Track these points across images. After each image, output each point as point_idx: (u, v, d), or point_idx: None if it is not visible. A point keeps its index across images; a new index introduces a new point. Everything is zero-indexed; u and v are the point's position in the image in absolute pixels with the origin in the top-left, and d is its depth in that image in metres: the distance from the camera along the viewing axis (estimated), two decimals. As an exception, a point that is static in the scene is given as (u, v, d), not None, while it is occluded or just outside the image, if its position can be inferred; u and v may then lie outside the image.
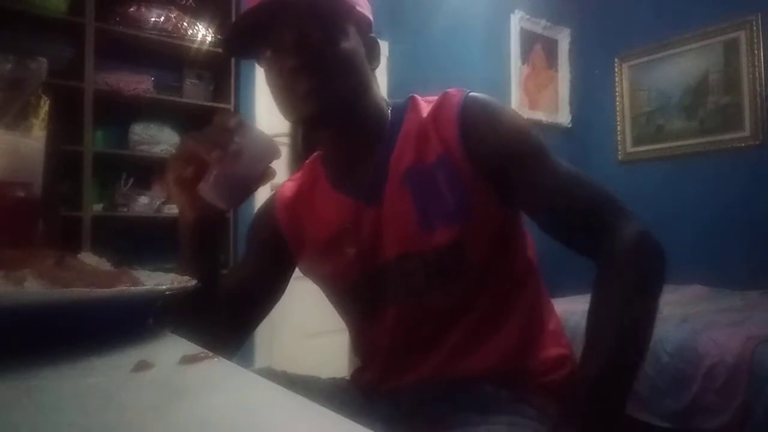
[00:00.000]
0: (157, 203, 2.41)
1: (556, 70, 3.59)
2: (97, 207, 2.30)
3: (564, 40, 3.61)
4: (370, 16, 0.75)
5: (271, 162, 0.64)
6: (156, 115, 2.46)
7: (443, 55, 2.95)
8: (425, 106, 0.76)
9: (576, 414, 0.60)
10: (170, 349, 0.43)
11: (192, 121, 2.55)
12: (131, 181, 2.39)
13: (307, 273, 0.85)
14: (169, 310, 0.51)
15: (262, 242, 0.86)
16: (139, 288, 0.46)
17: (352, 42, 0.71)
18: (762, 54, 2.86)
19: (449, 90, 0.75)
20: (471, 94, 0.74)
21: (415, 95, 0.80)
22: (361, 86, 0.73)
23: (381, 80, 0.79)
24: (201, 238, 0.68)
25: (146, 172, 2.38)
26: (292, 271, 0.87)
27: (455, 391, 0.72)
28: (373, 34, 0.77)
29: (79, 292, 0.40)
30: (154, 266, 0.64)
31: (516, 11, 3.34)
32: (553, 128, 3.47)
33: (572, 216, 0.68)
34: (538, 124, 3.30)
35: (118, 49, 2.35)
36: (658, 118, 3.29)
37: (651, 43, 3.29)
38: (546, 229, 0.70)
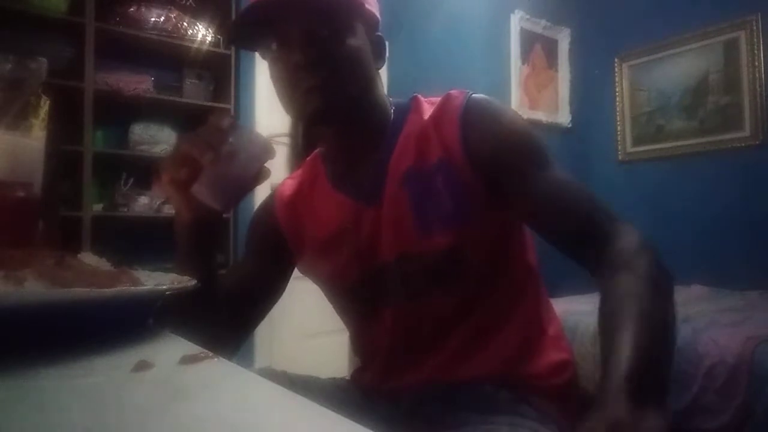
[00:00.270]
0: (157, 203, 2.41)
1: (556, 70, 3.59)
2: (97, 207, 2.30)
3: (564, 40, 3.61)
4: (378, 15, 0.75)
5: (265, 162, 0.64)
6: (156, 115, 2.46)
7: (443, 55, 2.95)
8: (428, 107, 0.76)
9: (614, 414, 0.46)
10: (170, 349, 0.43)
11: (192, 121, 2.55)
12: (131, 181, 2.39)
13: (306, 272, 0.85)
14: (169, 311, 0.51)
15: (262, 241, 0.85)
16: (139, 288, 0.46)
17: (359, 40, 0.70)
18: (762, 54, 2.86)
19: (452, 92, 0.75)
20: (473, 96, 0.73)
21: (418, 95, 0.79)
22: (365, 84, 0.72)
23: (381, 80, 0.79)
24: (198, 239, 0.68)
25: (146, 172, 2.38)
26: (292, 270, 0.86)
27: (455, 391, 0.72)
28: (379, 33, 0.76)
29: (79, 292, 0.40)
30: (154, 266, 0.64)
31: (516, 11, 3.34)
32: (553, 128, 3.46)
33: (569, 224, 0.67)
34: (538, 124, 3.30)
35: (118, 49, 2.35)
36: (658, 118, 3.29)
37: (651, 43, 3.29)
38: (543, 236, 0.69)
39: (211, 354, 0.40)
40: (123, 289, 0.44)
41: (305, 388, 0.81)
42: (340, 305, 0.84)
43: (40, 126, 0.68)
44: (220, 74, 2.57)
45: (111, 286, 0.43)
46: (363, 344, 0.85)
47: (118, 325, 0.44)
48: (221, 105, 2.50)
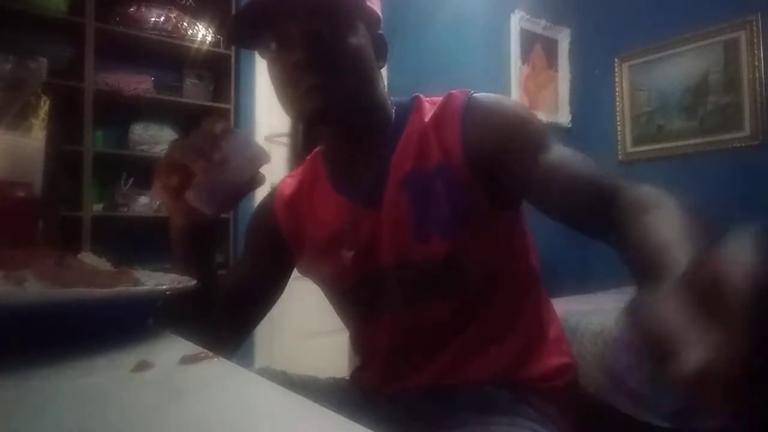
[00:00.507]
0: (157, 203, 2.41)
1: (556, 70, 3.59)
2: (97, 207, 2.31)
3: (564, 40, 3.60)
4: (380, 13, 0.73)
5: (260, 168, 0.63)
6: (156, 115, 2.46)
7: (443, 55, 2.95)
8: (429, 107, 0.75)
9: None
10: (170, 349, 0.42)
11: (192, 121, 2.55)
12: (131, 181, 2.39)
13: (305, 273, 0.85)
14: (169, 312, 0.51)
15: (261, 240, 0.85)
16: (139, 288, 0.46)
17: (360, 38, 0.69)
18: (762, 54, 2.86)
19: (453, 92, 0.74)
20: (474, 96, 0.72)
21: (420, 95, 0.78)
22: (367, 84, 0.71)
23: (383, 79, 0.78)
24: (193, 243, 0.67)
25: (146, 172, 2.38)
26: (292, 269, 0.86)
27: (454, 392, 0.72)
28: (381, 32, 0.75)
29: (79, 292, 0.40)
30: (154, 266, 0.64)
31: (516, 11, 3.34)
32: (553, 128, 3.46)
33: (578, 190, 0.61)
34: (538, 124, 3.29)
35: (118, 49, 2.35)
36: (658, 118, 3.29)
37: (651, 43, 3.29)
38: (553, 212, 0.64)
39: (211, 354, 0.40)
40: (123, 289, 0.44)
41: (305, 388, 0.81)
42: (339, 306, 0.84)
43: (40, 126, 0.68)
44: (220, 74, 2.57)
45: (111, 286, 0.43)
46: (362, 344, 0.85)
47: (118, 325, 0.44)
48: (221, 105, 2.50)
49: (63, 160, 2.11)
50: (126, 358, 0.38)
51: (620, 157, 3.46)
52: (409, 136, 0.73)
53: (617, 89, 3.48)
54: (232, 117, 2.49)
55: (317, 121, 0.70)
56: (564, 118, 3.57)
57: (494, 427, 0.66)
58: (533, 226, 0.80)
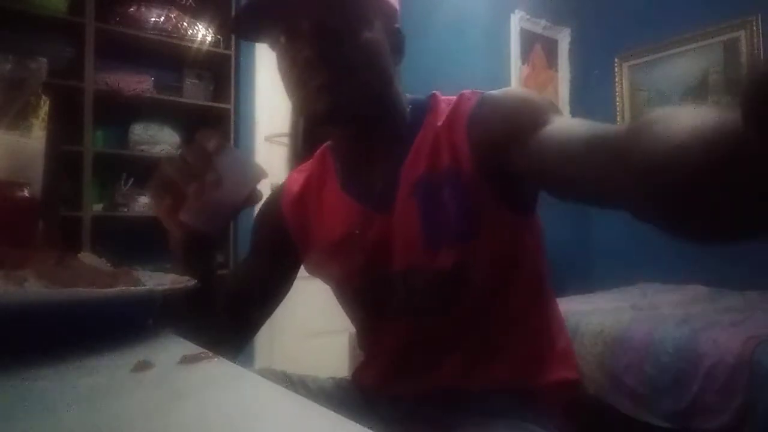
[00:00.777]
0: (157, 203, 2.41)
1: (556, 70, 3.59)
2: (97, 207, 2.31)
3: (564, 40, 3.60)
4: (397, 5, 0.70)
5: (255, 186, 0.61)
6: (156, 115, 2.46)
7: (443, 55, 2.95)
8: (444, 107, 0.70)
9: None
10: (170, 349, 0.42)
11: (192, 121, 2.55)
12: (131, 181, 2.39)
13: (312, 272, 0.83)
14: (170, 314, 0.51)
15: (268, 239, 0.82)
16: (139, 288, 0.46)
17: (375, 33, 0.65)
18: (762, 54, 2.86)
19: (465, 93, 0.70)
20: (482, 96, 0.67)
21: (437, 93, 0.74)
22: (381, 82, 0.67)
23: (399, 77, 0.73)
24: (192, 254, 0.66)
25: (146, 172, 2.37)
26: (298, 268, 0.83)
27: (456, 395, 0.71)
28: (398, 25, 0.70)
29: (79, 292, 0.40)
30: (154, 266, 0.64)
31: (516, 11, 3.34)
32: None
33: (576, 150, 0.51)
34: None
35: (118, 49, 2.35)
36: (658, 118, 3.29)
37: (651, 43, 3.29)
38: (559, 188, 0.56)
39: (211, 354, 0.40)
40: (123, 289, 0.44)
41: (305, 388, 0.81)
42: (346, 304, 0.82)
43: (40, 126, 0.68)
44: (220, 74, 2.57)
45: (111, 286, 0.43)
46: (368, 343, 0.84)
47: (118, 325, 0.44)
48: (221, 105, 2.50)
49: (63, 160, 2.11)
50: (126, 358, 0.38)
51: (620, 157, 3.46)
52: (422, 140, 0.69)
53: (617, 89, 3.48)
54: (232, 117, 2.49)
55: (328, 121, 0.66)
56: (564, 118, 3.57)
57: (496, 428, 0.66)
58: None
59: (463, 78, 2.71)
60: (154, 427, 0.27)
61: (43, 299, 0.39)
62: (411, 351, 0.74)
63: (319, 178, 0.79)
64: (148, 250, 2.02)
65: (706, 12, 3.04)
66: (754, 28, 2.88)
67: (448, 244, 0.66)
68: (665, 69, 3.25)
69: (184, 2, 2.53)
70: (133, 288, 0.45)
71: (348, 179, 0.75)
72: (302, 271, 0.85)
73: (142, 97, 2.36)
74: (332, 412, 0.27)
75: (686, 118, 0.35)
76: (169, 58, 2.49)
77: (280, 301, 0.82)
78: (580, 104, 3.60)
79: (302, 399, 0.31)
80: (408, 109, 0.72)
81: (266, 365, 1.97)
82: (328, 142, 0.80)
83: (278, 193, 0.83)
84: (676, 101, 3.20)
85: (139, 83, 2.37)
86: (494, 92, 0.67)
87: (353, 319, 0.83)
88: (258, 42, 0.70)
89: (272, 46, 0.67)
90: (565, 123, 0.57)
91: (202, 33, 2.50)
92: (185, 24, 2.47)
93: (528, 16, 3.40)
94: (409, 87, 0.75)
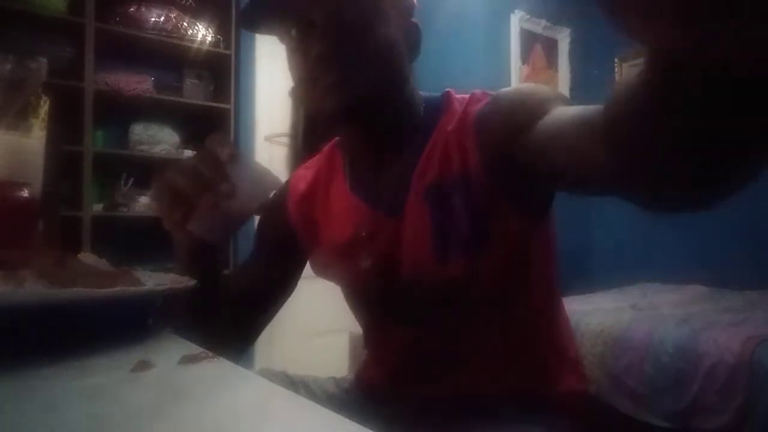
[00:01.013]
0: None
1: (556, 70, 3.59)
2: (97, 207, 2.31)
3: (564, 40, 3.61)
4: None
5: (268, 196, 0.59)
6: (156, 115, 2.46)
7: (444, 55, 2.95)
8: (457, 108, 0.67)
9: None
10: (170, 349, 0.42)
11: (192, 121, 2.56)
12: (131, 181, 2.39)
13: (318, 273, 0.81)
14: (170, 312, 0.51)
15: (272, 238, 0.80)
16: (139, 288, 0.46)
17: (391, 27, 0.61)
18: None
19: (475, 93, 0.67)
20: (491, 96, 0.65)
21: (450, 91, 0.70)
22: (396, 80, 0.64)
23: (414, 74, 0.70)
24: (195, 258, 0.64)
25: (146, 172, 2.38)
26: (303, 267, 0.82)
27: (465, 401, 0.70)
28: (414, 20, 0.67)
29: (79, 292, 0.40)
30: (154, 266, 0.64)
31: (516, 11, 3.34)
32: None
33: (569, 134, 0.51)
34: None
35: (118, 49, 2.35)
36: (658, 118, 3.29)
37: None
38: (564, 179, 0.54)
39: (211, 354, 0.40)
40: (123, 289, 0.44)
41: (306, 389, 0.81)
42: (353, 306, 0.80)
43: (40, 126, 0.68)
44: (220, 74, 2.57)
45: (111, 286, 0.43)
46: (373, 344, 0.82)
47: (118, 325, 0.44)
48: (221, 105, 2.50)
49: (63, 160, 2.12)
50: (126, 358, 0.38)
51: (620, 157, 3.46)
52: (434, 144, 0.66)
53: (617, 89, 3.48)
54: (232, 117, 2.49)
55: (340, 120, 0.63)
56: (564, 118, 3.57)
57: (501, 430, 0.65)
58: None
59: (463, 78, 2.72)
60: (154, 427, 0.27)
61: (43, 299, 0.39)
62: (418, 355, 0.73)
63: (327, 175, 0.76)
64: (148, 250, 2.03)
65: (706, 12, 3.04)
66: (754, 28, 2.87)
67: (457, 253, 0.64)
68: (665, 69, 3.25)
69: (184, 2, 2.53)
70: (133, 288, 0.45)
71: (357, 179, 0.72)
72: (304, 271, 0.84)
73: (142, 97, 2.36)
74: (332, 413, 0.27)
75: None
76: (169, 58, 2.49)
77: (285, 300, 0.81)
78: (580, 104, 3.59)
79: (302, 399, 0.31)
80: (422, 109, 0.70)
81: (266, 365, 1.97)
82: (337, 140, 0.78)
83: (283, 191, 0.80)
84: (676, 101, 3.20)
85: (139, 83, 2.37)
86: (504, 90, 0.65)
87: (359, 320, 0.82)
88: (267, 33, 0.66)
89: (281, 39, 0.64)
90: (565, 111, 0.54)
91: (202, 33, 2.50)
92: (185, 24, 2.47)
93: (528, 16, 3.40)
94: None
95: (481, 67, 3.12)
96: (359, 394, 0.80)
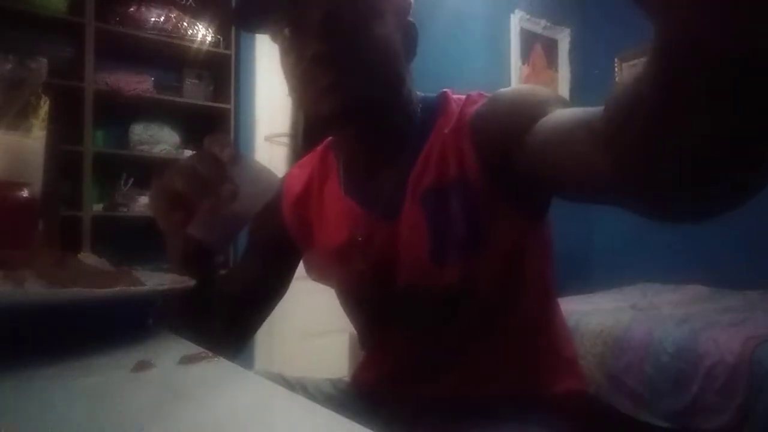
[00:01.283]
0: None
1: (556, 70, 3.59)
2: (97, 207, 2.31)
3: (564, 40, 3.61)
4: None
5: (270, 196, 0.57)
6: (156, 115, 2.46)
7: (443, 55, 2.95)
8: (454, 109, 0.66)
9: None
10: (170, 349, 0.42)
11: (192, 121, 2.56)
12: (131, 181, 2.40)
13: (312, 277, 0.81)
14: (169, 312, 0.51)
15: (266, 239, 0.80)
16: (139, 288, 0.46)
17: (388, 27, 0.60)
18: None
19: (472, 95, 0.67)
20: (488, 98, 0.65)
21: (447, 91, 0.70)
22: (393, 82, 0.63)
23: (411, 75, 0.70)
24: (192, 261, 0.62)
25: (146, 172, 2.38)
26: (296, 267, 0.82)
27: (463, 402, 0.70)
28: (411, 19, 0.66)
29: (79, 292, 0.40)
30: (154, 266, 0.63)
31: (516, 11, 3.35)
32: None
33: (565, 139, 0.49)
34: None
35: (118, 49, 2.35)
36: (658, 118, 3.29)
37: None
38: (560, 183, 0.53)
39: (211, 354, 0.40)
40: (123, 289, 0.44)
41: (303, 390, 0.81)
42: (348, 310, 0.80)
43: (40, 126, 0.68)
44: (220, 74, 2.57)
45: (111, 286, 0.43)
46: (370, 346, 0.82)
47: (118, 325, 0.44)
48: (221, 105, 2.50)
49: (63, 160, 2.11)
50: (126, 358, 0.38)
51: (620, 157, 3.46)
52: (431, 147, 0.66)
53: (617, 89, 3.48)
54: (232, 117, 2.49)
55: (336, 123, 0.62)
56: (564, 118, 3.57)
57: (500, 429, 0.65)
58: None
59: (463, 78, 2.72)
60: (154, 427, 0.27)
61: (43, 299, 0.39)
62: (415, 357, 0.73)
63: (321, 176, 0.76)
64: (148, 250, 2.03)
65: (706, 12, 3.04)
66: (754, 28, 2.88)
67: (454, 256, 0.63)
68: (665, 69, 3.25)
69: (184, 2, 2.53)
70: (133, 288, 0.45)
71: (351, 182, 0.72)
72: (301, 271, 0.84)
73: (142, 97, 2.36)
74: (332, 413, 0.27)
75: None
76: (169, 58, 2.49)
77: (279, 301, 0.81)
78: (580, 105, 3.58)
79: (303, 399, 0.31)
80: (419, 110, 0.69)
81: (266, 365, 1.97)
82: (330, 140, 0.78)
83: (278, 191, 0.78)
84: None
85: (139, 83, 2.37)
86: (501, 91, 0.64)
87: (354, 322, 0.82)
88: (261, 32, 0.65)
89: (274, 38, 0.63)
90: (563, 113, 0.53)
91: (202, 33, 2.50)
92: (185, 24, 2.47)
93: (528, 16, 3.40)
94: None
95: (481, 67, 3.12)
96: (357, 395, 0.80)
